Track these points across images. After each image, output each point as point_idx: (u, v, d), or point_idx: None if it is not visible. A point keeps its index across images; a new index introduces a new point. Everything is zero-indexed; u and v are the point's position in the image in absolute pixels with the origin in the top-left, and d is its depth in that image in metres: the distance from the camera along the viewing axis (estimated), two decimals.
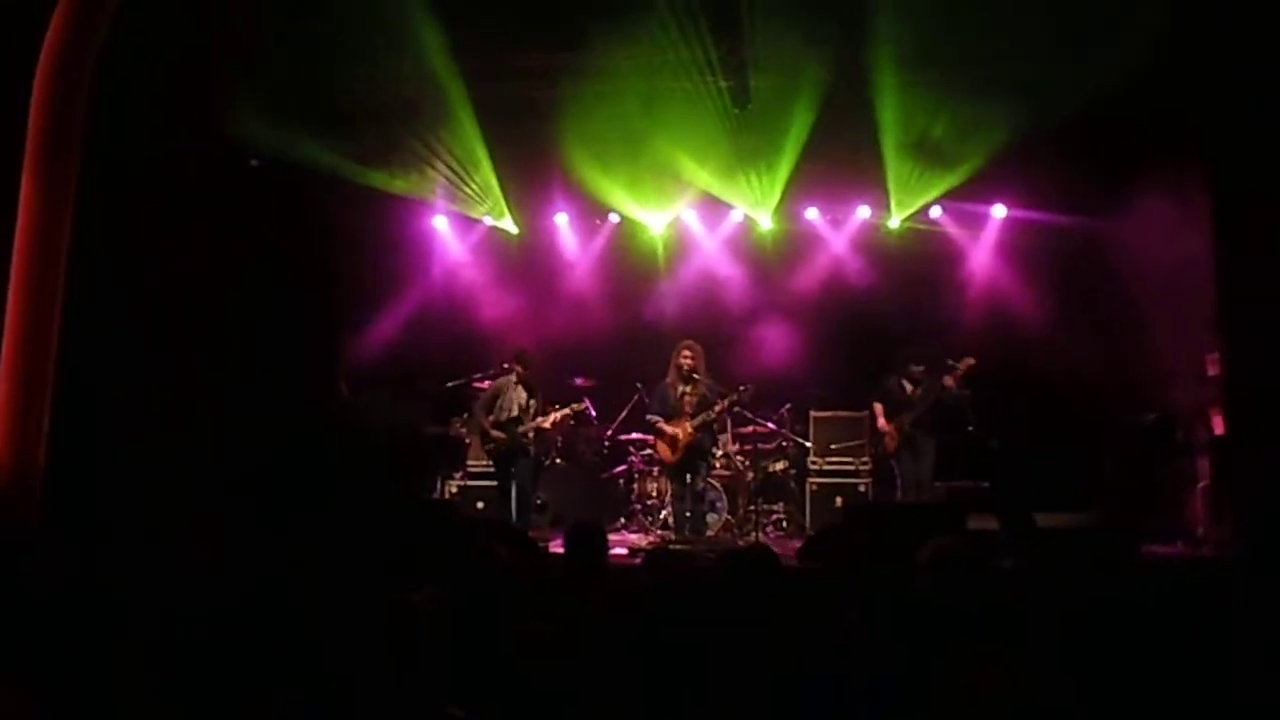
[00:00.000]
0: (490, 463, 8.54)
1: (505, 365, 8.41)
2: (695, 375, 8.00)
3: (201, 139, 6.63)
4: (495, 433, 8.13)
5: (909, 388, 8.28)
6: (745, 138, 8.84)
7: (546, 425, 8.20)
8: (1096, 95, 7.51)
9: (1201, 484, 7.79)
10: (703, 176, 9.25)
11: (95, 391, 5.74)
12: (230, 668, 2.12)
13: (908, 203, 9.46)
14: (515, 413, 8.13)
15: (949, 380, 8.04)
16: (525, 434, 8.09)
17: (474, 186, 9.63)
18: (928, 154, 8.74)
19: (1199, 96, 6.88)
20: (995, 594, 3.08)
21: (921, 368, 8.26)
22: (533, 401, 8.16)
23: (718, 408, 7.96)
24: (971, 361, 8.02)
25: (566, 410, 8.33)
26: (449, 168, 9.36)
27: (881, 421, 8.32)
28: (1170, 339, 8.34)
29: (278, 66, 7.18)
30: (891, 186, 9.25)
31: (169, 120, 6.36)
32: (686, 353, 8.05)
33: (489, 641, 2.39)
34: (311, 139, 8.12)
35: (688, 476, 8.08)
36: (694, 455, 8.03)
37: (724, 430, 8.81)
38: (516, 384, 8.21)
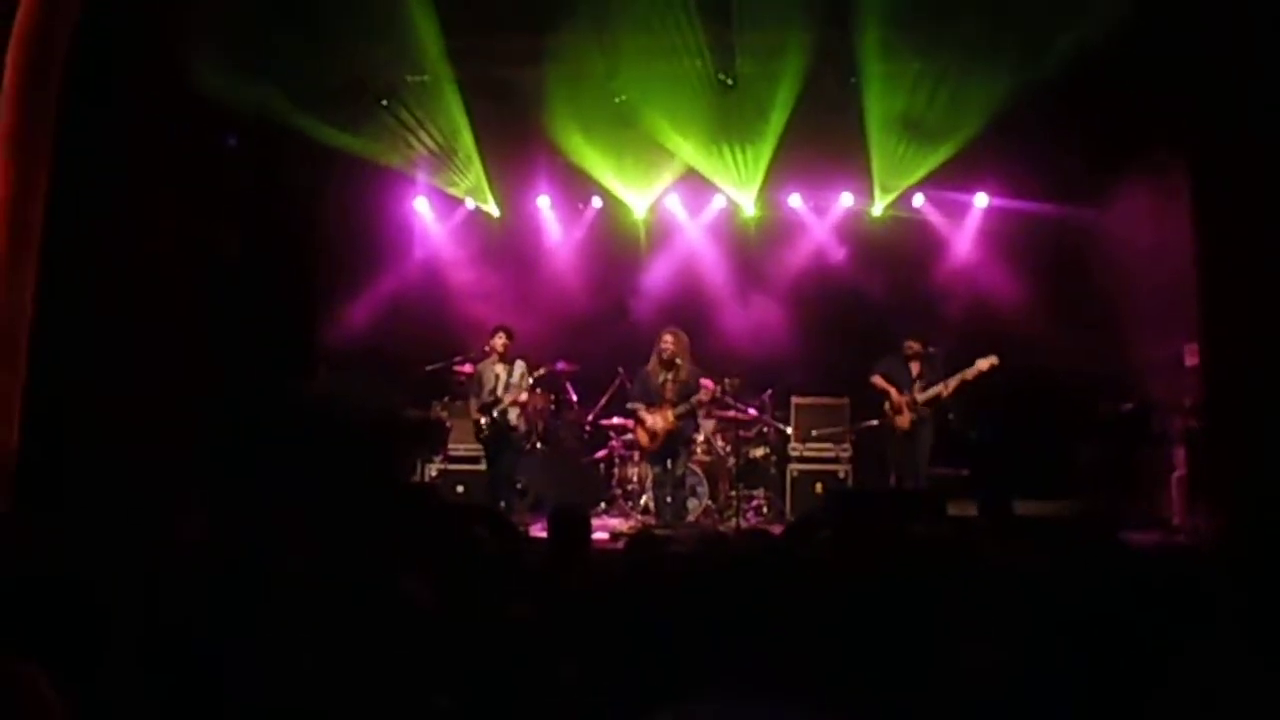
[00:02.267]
0: (474, 447, 8.54)
1: (486, 348, 8.37)
2: (677, 362, 7.99)
3: (179, 113, 6.53)
4: (479, 416, 8.09)
5: (915, 368, 8.10)
6: (730, 118, 8.82)
7: (523, 397, 8.11)
8: (1078, 79, 7.52)
9: (1177, 473, 7.86)
10: (687, 151, 9.19)
11: (68, 370, 5.66)
12: (210, 649, 2.10)
13: (892, 186, 9.45)
14: (495, 389, 8.06)
15: (968, 372, 7.85)
16: (504, 411, 8.03)
17: (456, 164, 9.55)
18: (913, 129, 8.70)
19: (1179, 84, 6.91)
20: (973, 580, 3.09)
21: (929, 353, 8.08)
22: (512, 378, 8.07)
23: (696, 399, 7.94)
24: (994, 360, 7.80)
25: (540, 371, 8.17)
26: (432, 144, 9.28)
27: (894, 393, 8.08)
28: (1149, 329, 8.41)
29: (260, 38, 7.08)
30: (875, 168, 9.22)
31: (146, 93, 6.26)
32: (668, 339, 8.02)
33: (472, 625, 2.37)
34: (293, 112, 8.00)
35: (668, 462, 8.08)
36: (674, 442, 8.03)
37: (707, 416, 8.82)
38: (497, 361, 8.14)
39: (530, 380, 8.11)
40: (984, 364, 7.84)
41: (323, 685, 2.03)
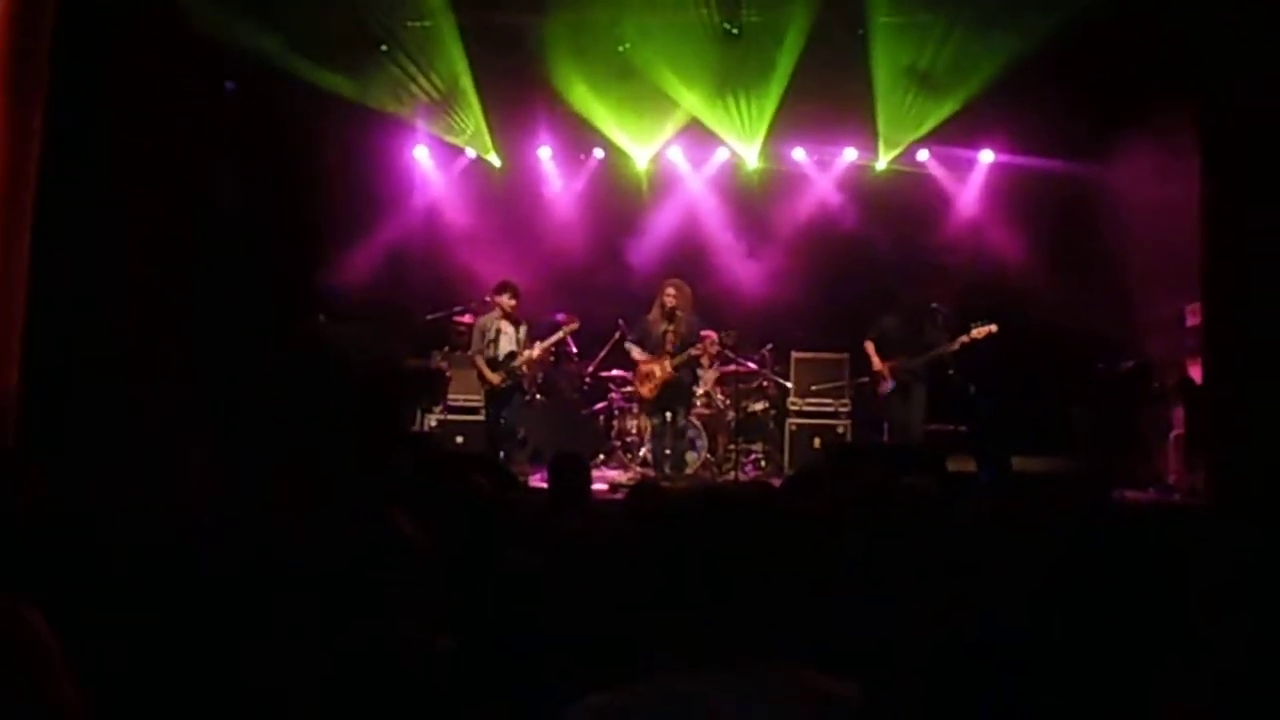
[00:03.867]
0: (474, 398, 8.56)
1: (488, 299, 8.34)
2: (678, 313, 7.99)
3: (177, 57, 6.44)
4: (490, 373, 8.09)
5: (917, 331, 8.04)
6: (734, 68, 8.71)
7: (537, 354, 8.16)
8: (1087, 34, 7.42)
9: (1175, 432, 7.89)
10: (690, 101, 9.07)
11: (68, 312, 5.64)
12: (210, 593, 2.11)
13: (897, 140, 9.34)
14: (513, 349, 8.09)
15: (964, 339, 7.82)
16: (520, 368, 8.07)
17: (457, 112, 9.44)
18: (920, 82, 8.59)
19: (1188, 41, 6.82)
20: (969, 534, 3.11)
21: (930, 314, 8.04)
22: (520, 335, 8.13)
23: (695, 350, 7.95)
24: (993, 328, 7.77)
25: (559, 334, 8.29)
26: (432, 92, 9.17)
27: (876, 362, 8.15)
28: (1151, 287, 8.39)
29: None
30: (881, 122, 9.10)
31: (143, 36, 6.17)
32: (671, 290, 8.02)
33: (474, 571, 2.39)
34: (292, 57, 7.89)
35: (667, 414, 8.11)
36: (673, 393, 8.05)
37: (709, 368, 8.84)
38: (502, 318, 8.15)
39: (550, 344, 8.17)
40: (980, 332, 7.80)
41: (323, 627, 2.04)
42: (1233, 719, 2.05)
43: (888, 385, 8.08)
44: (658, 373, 8.00)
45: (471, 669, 2.12)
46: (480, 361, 8.16)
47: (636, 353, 8.15)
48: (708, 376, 8.90)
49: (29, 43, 5.26)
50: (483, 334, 8.19)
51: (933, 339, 8.00)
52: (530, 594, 2.32)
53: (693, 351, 7.96)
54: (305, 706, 1.97)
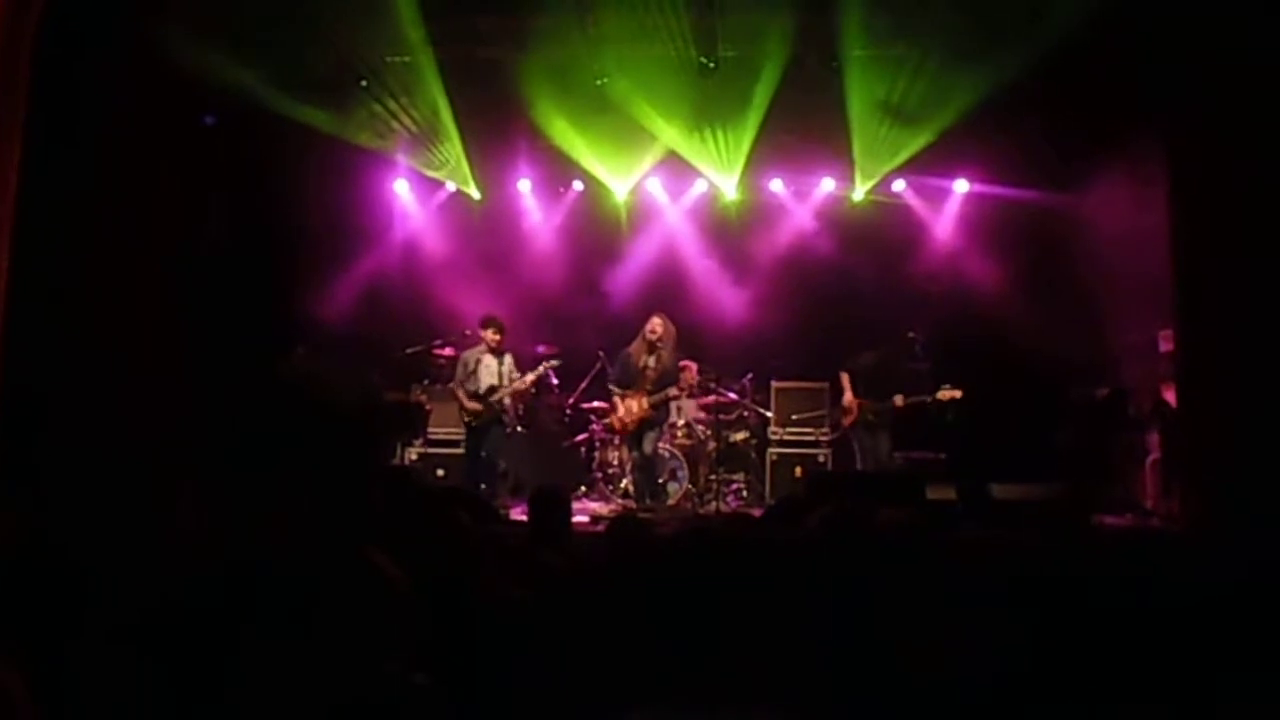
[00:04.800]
0: (455, 431, 8.55)
1: (468, 332, 8.35)
2: (659, 347, 8.03)
3: (157, 92, 6.45)
4: (472, 404, 8.11)
5: (890, 373, 8.19)
6: (711, 101, 8.80)
7: (523, 386, 8.20)
8: (1059, 66, 7.55)
9: (1152, 457, 7.96)
10: (668, 134, 9.17)
11: (45, 354, 5.60)
12: (194, 631, 2.09)
13: (872, 171, 9.46)
14: (495, 382, 8.11)
15: (933, 403, 8.00)
16: (501, 401, 8.09)
17: (437, 146, 9.49)
18: (894, 114, 8.72)
19: (1158, 72, 6.95)
20: (951, 562, 3.12)
21: (910, 345, 8.18)
22: (503, 368, 8.16)
23: (672, 392, 7.99)
24: (957, 394, 7.96)
25: (540, 368, 8.32)
26: (412, 126, 9.21)
27: (848, 395, 8.30)
28: (1125, 315, 8.49)
29: (239, 17, 6.99)
30: (857, 153, 9.22)
31: (122, 72, 6.18)
32: (657, 322, 8.07)
33: (453, 607, 2.38)
34: (271, 92, 7.92)
35: (644, 444, 8.14)
36: (648, 428, 8.11)
37: (688, 398, 8.87)
38: (487, 352, 8.18)
39: (533, 377, 8.21)
40: (944, 396, 7.99)
41: (302, 667, 2.03)
42: None
43: (850, 419, 8.26)
44: (635, 409, 8.04)
45: (449, 707, 2.11)
46: (460, 393, 8.18)
47: (617, 396, 8.19)
48: (688, 406, 8.92)
49: (6, 77, 5.26)
50: (465, 366, 8.23)
51: (909, 371, 8.10)
52: (510, 630, 2.32)
53: (670, 393, 8.01)
54: None
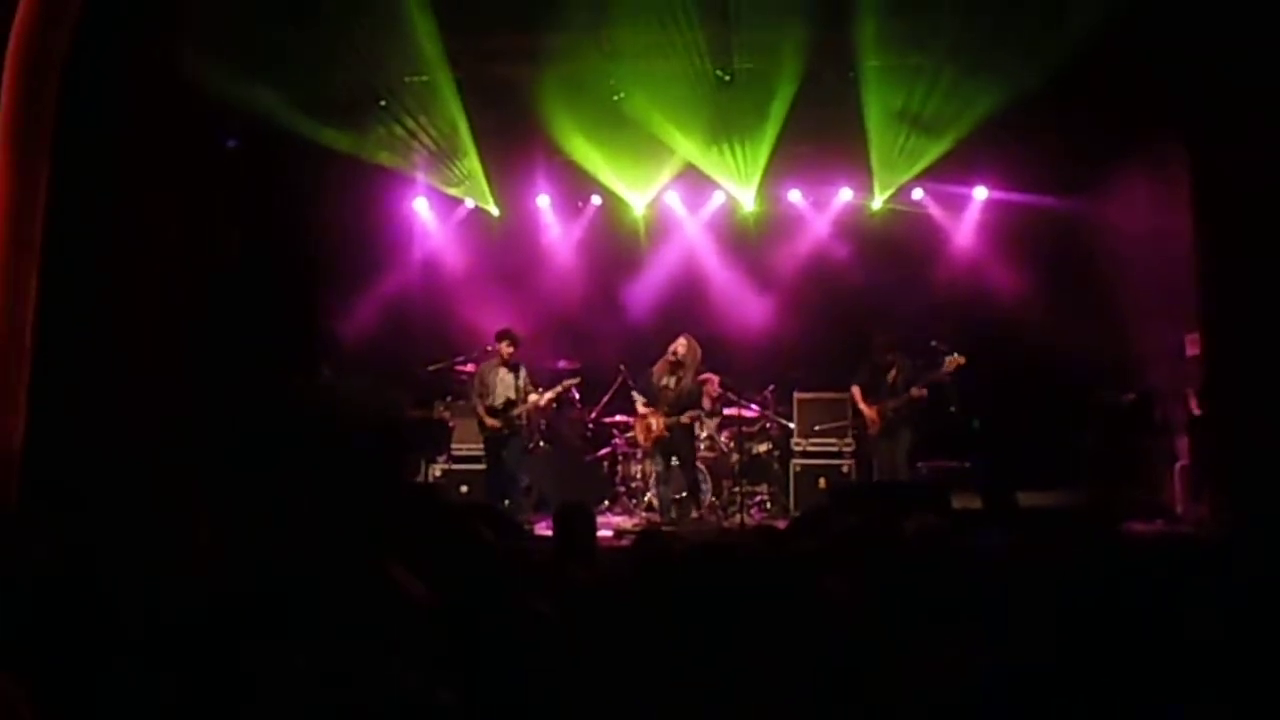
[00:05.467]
0: (477, 446, 8.58)
1: (489, 348, 8.39)
2: (682, 369, 8.02)
3: (179, 114, 6.53)
4: (490, 420, 8.14)
5: (891, 374, 8.10)
6: (728, 114, 8.81)
7: (542, 403, 8.24)
8: (1077, 70, 7.51)
9: (1180, 463, 7.87)
10: (686, 147, 9.19)
11: (71, 371, 5.66)
12: (211, 645, 2.11)
13: (891, 180, 9.44)
14: (511, 396, 8.14)
15: (944, 375, 7.87)
16: (519, 416, 8.11)
17: (456, 164, 9.56)
18: (911, 123, 8.70)
19: (1178, 73, 6.90)
20: (977, 571, 3.10)
21: (901, 355, 8.10)
22: (520, 382, 8.17)
23: (686, 418, 8.00)
24: (961, 360, 7.82)
25: (560, 388, 8.36)
26: (431, 144, 9.28)
27: (863, 406, 8.25)
28: (1150, 319, 8.42)
29: (260, 39, 7.08)
30: (874, 163, 9.21)
31: (146, 94, 6.25)
32: (682, 343, 8.07)
33: (477, 623, 2.38)
34: (292, 113, 8.01)
35: (671, 460, 8.12)
36: (667, 444, 8.07)
37: (710, 414, 8.85)
38: (500, 365, 8.21)
39: (552, 395, 8.27)
40: (951, 364, 7.84)
41: (323, 682, 2.04)
42: None
43: (875, 428, 8.15)
44: (654, 425, 8.04)
45: None
46: (479, 408, 8.21)
47: (640, 402, 8.19)
48: (711, 421, 8.90)
49: (36, 105, 5.33)
50: (482, 381, 8.27)
51: (908, 380, 8.00)
52: (535, 645, 2.32)
53: (683, 420, 7.99)
54: None
